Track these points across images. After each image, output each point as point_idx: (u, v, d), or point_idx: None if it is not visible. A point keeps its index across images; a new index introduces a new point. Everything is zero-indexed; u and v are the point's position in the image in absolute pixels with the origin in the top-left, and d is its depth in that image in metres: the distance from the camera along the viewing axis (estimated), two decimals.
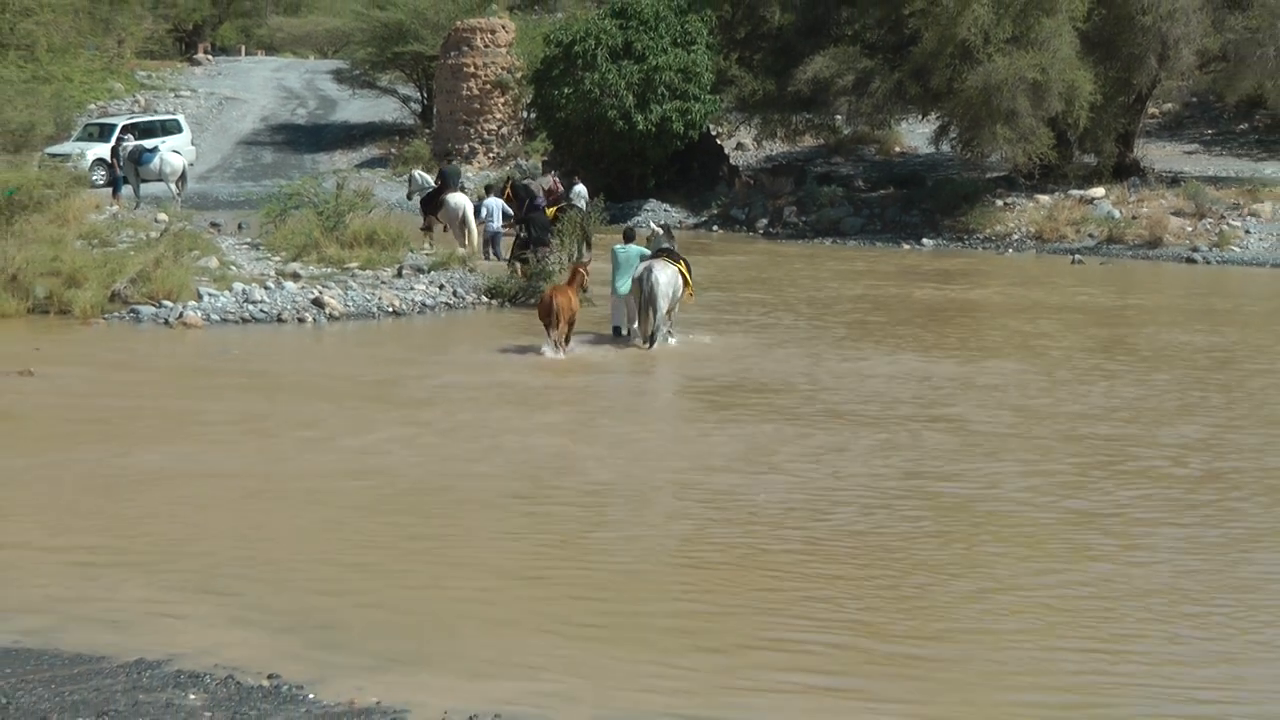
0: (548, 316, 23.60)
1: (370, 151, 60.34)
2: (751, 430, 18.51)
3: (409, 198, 39.19)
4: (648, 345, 24.51)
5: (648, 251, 25.50)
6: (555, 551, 13.48)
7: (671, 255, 25.09)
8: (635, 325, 25.02)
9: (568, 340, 24.09)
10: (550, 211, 33.50)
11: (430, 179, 38.70)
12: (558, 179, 38.44)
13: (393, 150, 59.23)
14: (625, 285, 25.10)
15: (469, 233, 34.89)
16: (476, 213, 35.20)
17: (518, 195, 35.08)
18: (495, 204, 34.93)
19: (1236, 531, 14.50)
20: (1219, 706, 10.31)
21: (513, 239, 32.64)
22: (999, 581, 12.76)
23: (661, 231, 26.93)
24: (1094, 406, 20.37)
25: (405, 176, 44.05)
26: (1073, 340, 26.67)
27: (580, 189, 38.56)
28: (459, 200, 35.89)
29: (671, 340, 25.00)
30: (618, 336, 25.60)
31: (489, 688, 10.16)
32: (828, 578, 12.79)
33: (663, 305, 24.26)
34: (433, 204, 36.46)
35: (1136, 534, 14.26)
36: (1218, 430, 18.97)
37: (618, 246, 26.18)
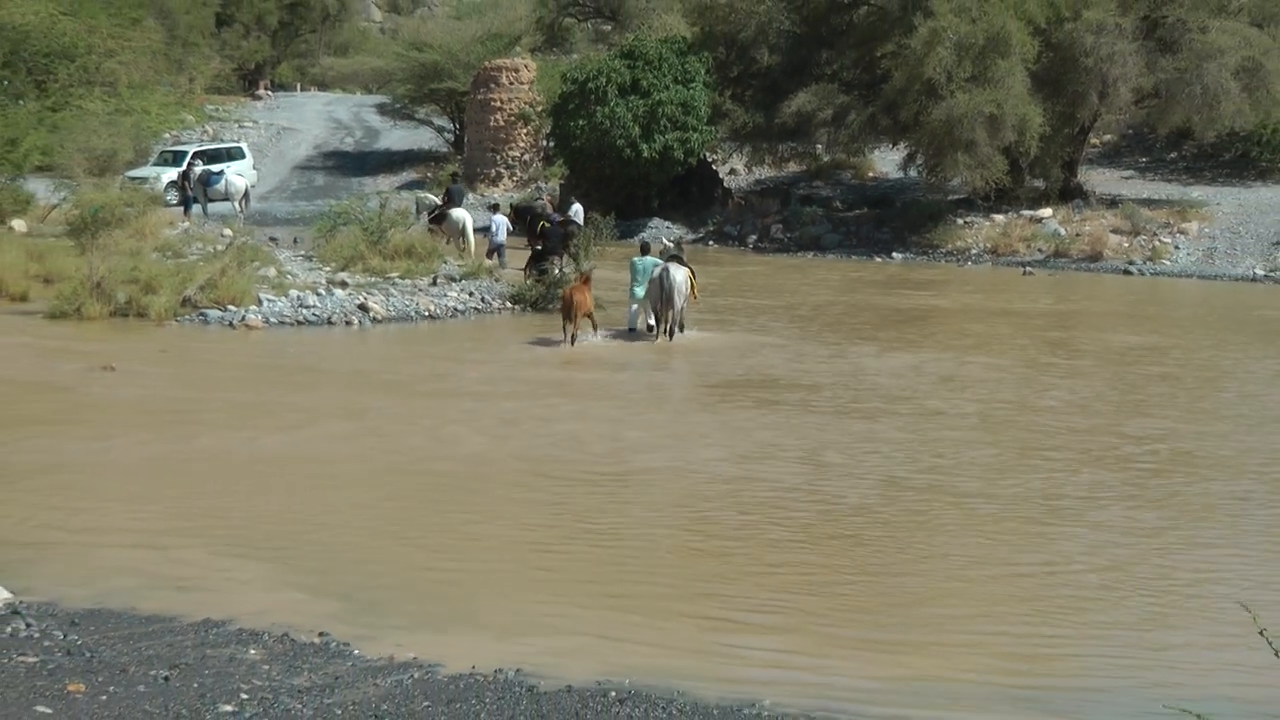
0: (568, 312, 24.33)
1: (409, 175, 60.29)
2: (763, 419, 18.54)
3: (416, 216, 39.22)
4: (669, 337, 25.25)
5: (660, 261, 25.92)
6: (576, 527, 13.49)
7: (680, 261, 25.79)
8: (651, 322, 25.67)
9: (594, 328, 25.15)
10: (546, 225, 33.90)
11: (435, 198, 39.25)
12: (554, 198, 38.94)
13: (429, 174, 59.16)
14: (643, 291, 25.68)
15: (467, 243, 35.14)
16: (487, 229, 35.47)
17: (520, 214, 35.81)
18: (501, 220, 35.48)
19: (1179, 510, 14.56)
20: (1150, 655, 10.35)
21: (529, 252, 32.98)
22: (972, 557, 12.78)
23: (673, 246, 27.70)
24: (1063, 401, 20.43)
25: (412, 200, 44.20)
26: (1036, 341, 26.78)
27: (577, 208, 38.69)
28: (459, 214, 36.76)
29: (684, 333, 25.59)
30: (632, 334, 26.01)
31: (512, 645, 10.17)
32: (824, 554, 12.81)
33: (679, 300, 24.99)
34: (439, 218, 36.85)
35: (1103, 512, 14.29)
36: (1168, 422, 19.06)
37: (636, 258, 26.57)
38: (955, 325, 28.75)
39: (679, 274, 25.04)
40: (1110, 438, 17.87)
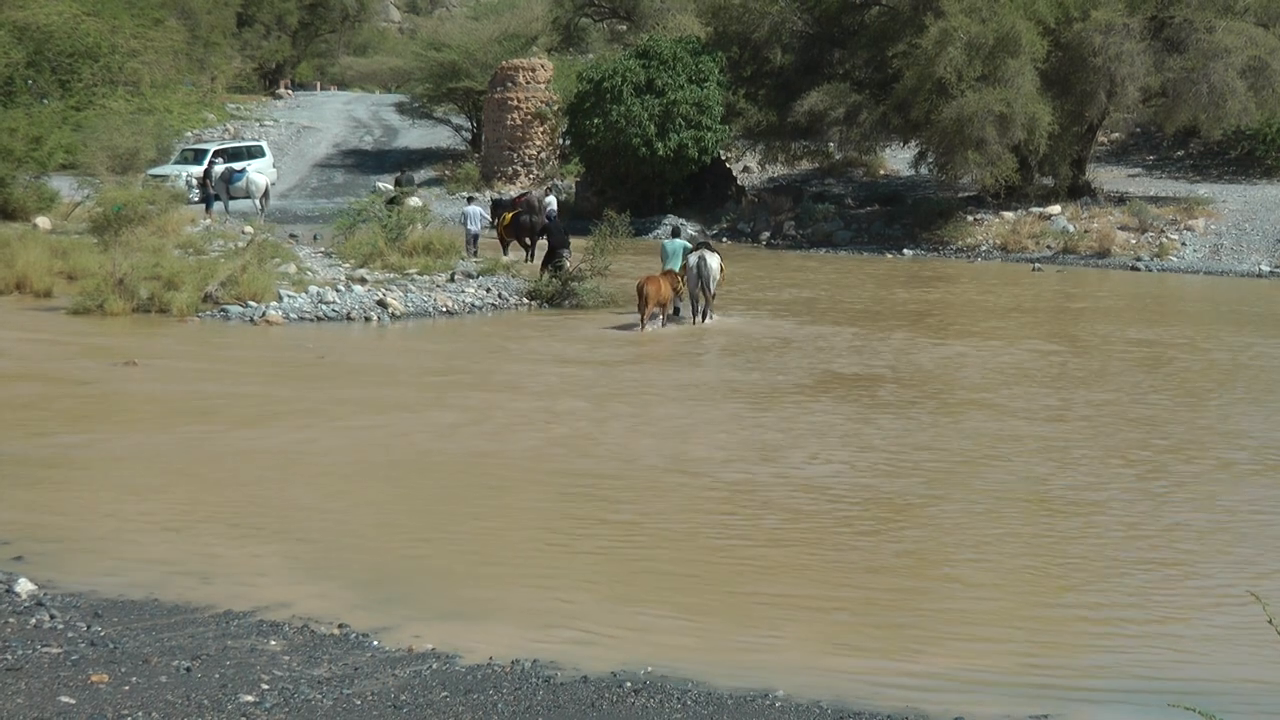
0: (640, 299, 25.71)
1: (427, 173, 60.22)
2: (815, 410, 18.53)
3: (386, 205, 39.57)
4: (701, 320, 26.73)
5: (689, 245, 27.49)
6: (595, 521, 13.47)
7: (711, 248, 27.39)
8: (678, 305, 27.16)
9: (663, 320, 26.44)
10: (508, 216, 36.32)
11: (392, 188, 40.63)
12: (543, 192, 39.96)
13: (447, 172, 59.18)
14: (673, 268, 26.90)
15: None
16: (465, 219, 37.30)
17: (495, 206, 38.16)
18: (475, 211, 36.86)
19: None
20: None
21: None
22: (987, 550, 12.76)
23: (699, 237, 30.59)
24: (1119, 396, 20.42)
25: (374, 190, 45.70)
26: (1070, 333, 27.05)
27: (550, 199, 40.32)
28: (409, 202, 37.71)
29: (711, 318, 26.87)
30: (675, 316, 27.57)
31: (529, 637, 10.17)
32: (842, 549, 12.80)
33: (713, 285, 26.48)
34: (393, 205, 37.77)
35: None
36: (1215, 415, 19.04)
37: (665, 241, 28.17)
38: (986, 318, 29.03)
39: (713, 260, 26.47)
40: (1156, 431, 17.84)
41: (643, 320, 25.75)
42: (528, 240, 36.27)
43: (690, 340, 25.52)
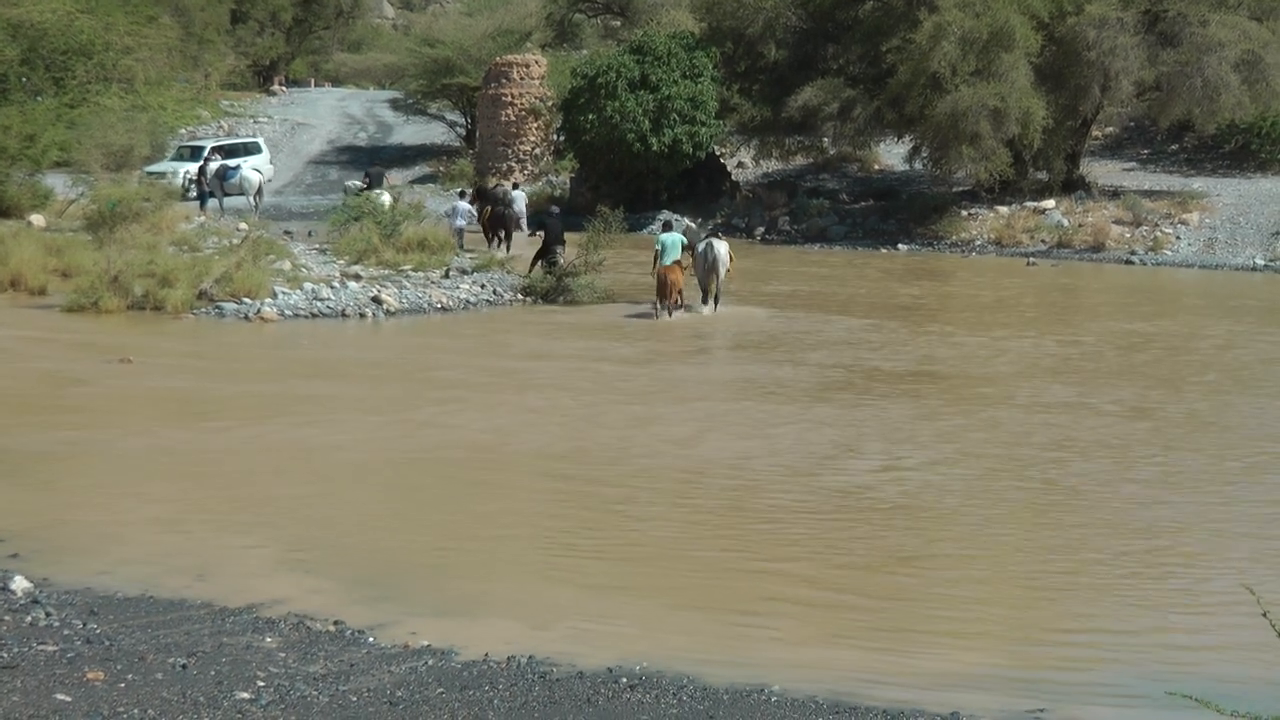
0: (662, 288, 26.46)
1: (422, 169, 60.20)
2: (821, 407, 18.51)
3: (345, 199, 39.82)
4: (711, 309, 27.40)
5: (684, 238, 27.90)
6: (591, 519, 13.47)
7: (719, 237, 28.08)
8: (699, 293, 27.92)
9: (680, 305, 26.98)
10: (488, 209, 37.16)
11: (361, 184, 41.82)
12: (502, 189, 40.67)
13: (441, 168, 59.08)
14: (669, 264, 27.23)
15: None
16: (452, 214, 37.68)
17: (483, 198, 38.42)
18: (463, 206, 37.20)
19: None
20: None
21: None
22: (983, 546, 12.77)
23: (695, 227, 31.67)
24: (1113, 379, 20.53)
25: (346, 187, 46.53)
26: (1067, 327, 27.30)
27: (519, 194, 41.00)
28: (380, 197, 37.75)
29: (719, 307, 27.52)
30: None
31: (525, 633, 10.17)
32: (838, 544, 12.80)
33: (723, 270, 27.12)
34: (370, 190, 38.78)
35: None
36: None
37: (662, 235, 27.94)
38: (993, 312, 29.22)
39: (721, 247, 27.12)
40: (1167, 426, 17.86)
41: (663, 308, 26.42)
42: (503, 232, 37.11)
43: (702, 334, 25.58)
